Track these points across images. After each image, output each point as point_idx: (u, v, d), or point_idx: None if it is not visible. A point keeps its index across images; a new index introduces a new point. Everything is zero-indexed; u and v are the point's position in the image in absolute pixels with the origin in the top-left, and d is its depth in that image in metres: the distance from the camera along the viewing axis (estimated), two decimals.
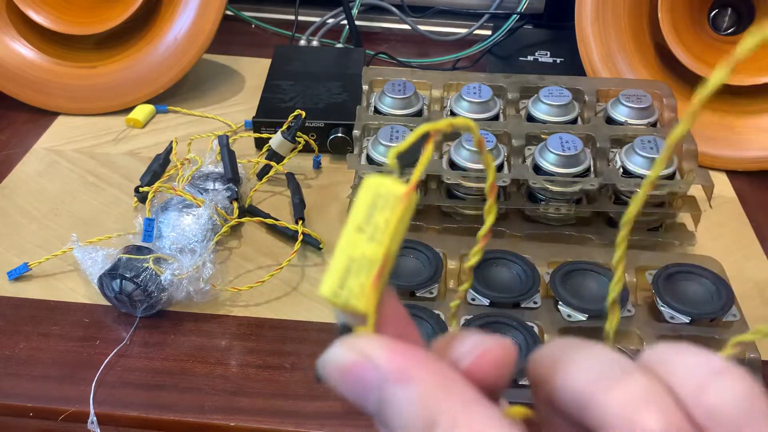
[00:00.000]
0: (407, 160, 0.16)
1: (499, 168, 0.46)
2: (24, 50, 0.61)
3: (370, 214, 0.16)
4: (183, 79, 0.61)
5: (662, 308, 0.40)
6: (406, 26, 0.74)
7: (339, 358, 0.15)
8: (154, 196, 0.47)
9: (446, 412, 0.14)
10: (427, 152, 0.16)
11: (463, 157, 0.46)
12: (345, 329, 0.16)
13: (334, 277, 0.16)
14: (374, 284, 0.15)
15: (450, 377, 0.14)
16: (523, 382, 0.36)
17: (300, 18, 0.74)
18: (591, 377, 0.14)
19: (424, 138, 0.16)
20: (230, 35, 0.73)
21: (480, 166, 0.45)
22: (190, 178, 0.49)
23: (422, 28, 0.73)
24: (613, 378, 0.14)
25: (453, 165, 0.46)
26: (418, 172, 0.16)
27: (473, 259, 0.18)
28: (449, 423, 0.14)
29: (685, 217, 0.49)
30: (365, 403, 0.15)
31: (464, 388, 0.14)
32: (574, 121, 0.50)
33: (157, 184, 0.47)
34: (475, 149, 0.45)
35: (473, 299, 0.41)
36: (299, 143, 0.53)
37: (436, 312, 0.39)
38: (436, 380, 0.14)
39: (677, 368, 0.14)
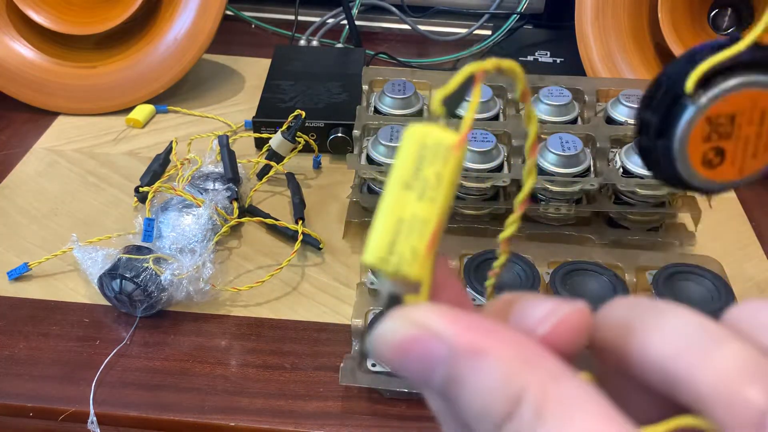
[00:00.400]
0: (451, 106, 0.14)
1: (499, 168, 0.46)
2: (24, 50, 0.60)
3: (417, 169, 0.14)
4: (183, 79, 0.60)
5: None
6: (406, 26, 0.74)
7: (395, 332, 0.13)
8: (154, 196, 0.47)
9: (533, 386, 0.12)
10: (476, 96, 0.14)
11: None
12: (393, 300, 0.14)
13: (381, 241, 0.14)
14: (429, 248, 0.14)
15: (530, 348, 0.13)
16: None
17: (300, 18, 0.74)
18: (680, 345, 0.13)
19: (469, 81, 0.14)
20: (230, 35, 0.73)
21: (481, 166, 0.45)
22: (190, 178, 0.49)
23: (422, 28, 0.73)
24: (707, 346, 0.12)
25: None
26: (469, 118, 0.14)
27: (509, 230, 0.16)
28: (538, 399, 0.12)
29: (684, 217, 0.49)
30: (428, 380, 0.13)
31: (548, 359, 0.13)
32: (574, 121, 0.50)
33: (157, 184, 0.47)
34: (476, 150, 0.45)
35: (473, 300, 0.41)
36: (299, 143, 0.53)
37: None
38: (516, 351, 0.13)
39: None
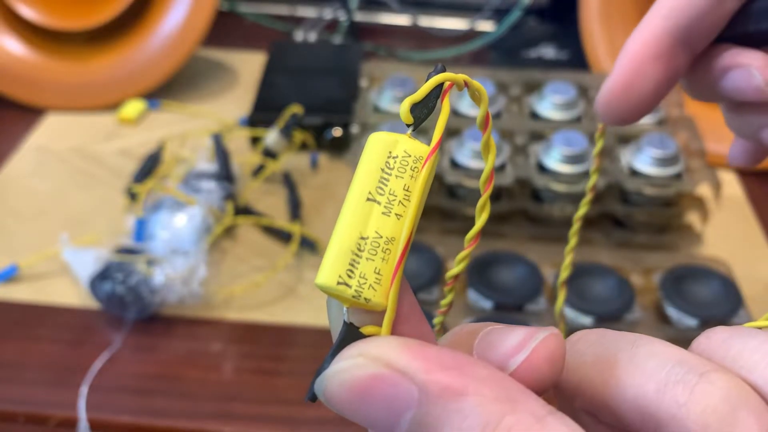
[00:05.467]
0: (420, 115, 0.13)
1: (502, 167, 0.45)
2: (12, 46, 0.59)
3: (383, 180, 0.12)
4: (176, 74, 0.59)
5: (670, 310, 0.40)
6: (407, 20, 0.73)
7: (353, 371, 0.12)
8: (146, 195, 0.46)
9: (517, 429, 0.11)
10: (446, 106, 0.13)
11: (465, 156, 0.45)
12: (350, 332, 0.13)
13: (339, 261, 0.12)
14: (396, 271, 0.12)
15: (510, 386, 0.12)
16: None
17: (297, 12, 0.73)
18: (661, 381, 0.12)
19: (438, 90, 0.13)
20: (225, 30, 0.72)
21: (482, 165, 0.44)
22: (183, 177, 0.48)
23: (423, 22, 0.72)
24: (690, 380, 0.12)
25: (453, 164, 0.45)
26: (440, 129, 0.13)
27: (458, 267, 0.14)
28: None
29: (692, 218, 0.48)
30: (391, 427, 0.12)
31: (530, 397, 0.12)
32: (579, 119, 0.49)
33: (149, 183, 0.46)
34: (478, 148, 0.44)
35: (475, 300, 0.40)
36: (296, 141, 0.52)
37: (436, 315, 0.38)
38: (496, 390, 0.11)
39: (749, 358, 0.12)
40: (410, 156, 0.13)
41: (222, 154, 0.50)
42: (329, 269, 0.12)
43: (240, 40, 0.71)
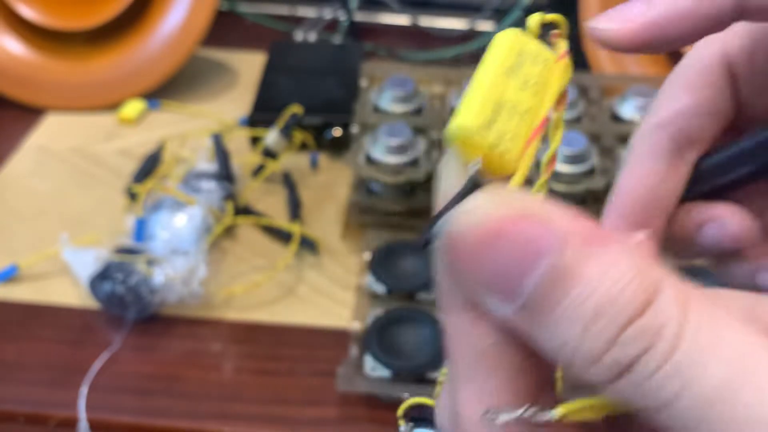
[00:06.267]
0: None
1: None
2: (12, 45, 0.59)
3: (519, 63, 0.12)
4: (176, 74, 0.59)
5: None
6: (407, 20, 0.73)
7: (489, 215, 0.10)
8: (146, 195, 0.46)
9: (668, 278, 0.10)
10: (562, 44, 0.13)
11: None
12: (473, 187, 0.11)
13: (482, 110, 0.12)
14: (533, 138, 0.12)
15: (648, 247, 0.11)
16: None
17: (297, 12, 0.73)
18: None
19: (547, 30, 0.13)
20: (225, 30, 0.72)
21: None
22: (183, 177, 0.48)
23: (423, 22, 0.72)
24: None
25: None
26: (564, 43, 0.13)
27: (541, 183, 0.13)
28: (679, 290, 0.10)
29: None
30: (519, 277, 0.10)
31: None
32: (579, 119, 0.49)
33: (149, 183, 0.46)
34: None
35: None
36: (296, 141, 0.52)
37: (436, 316, 0.38)
38: (638, 248, 0.10)
39: None
40: (542, 55, 0.13)
41: (222, 154, 0.50)
42: (472, 114, 0.12)
43: (240, 40, 0.71)
